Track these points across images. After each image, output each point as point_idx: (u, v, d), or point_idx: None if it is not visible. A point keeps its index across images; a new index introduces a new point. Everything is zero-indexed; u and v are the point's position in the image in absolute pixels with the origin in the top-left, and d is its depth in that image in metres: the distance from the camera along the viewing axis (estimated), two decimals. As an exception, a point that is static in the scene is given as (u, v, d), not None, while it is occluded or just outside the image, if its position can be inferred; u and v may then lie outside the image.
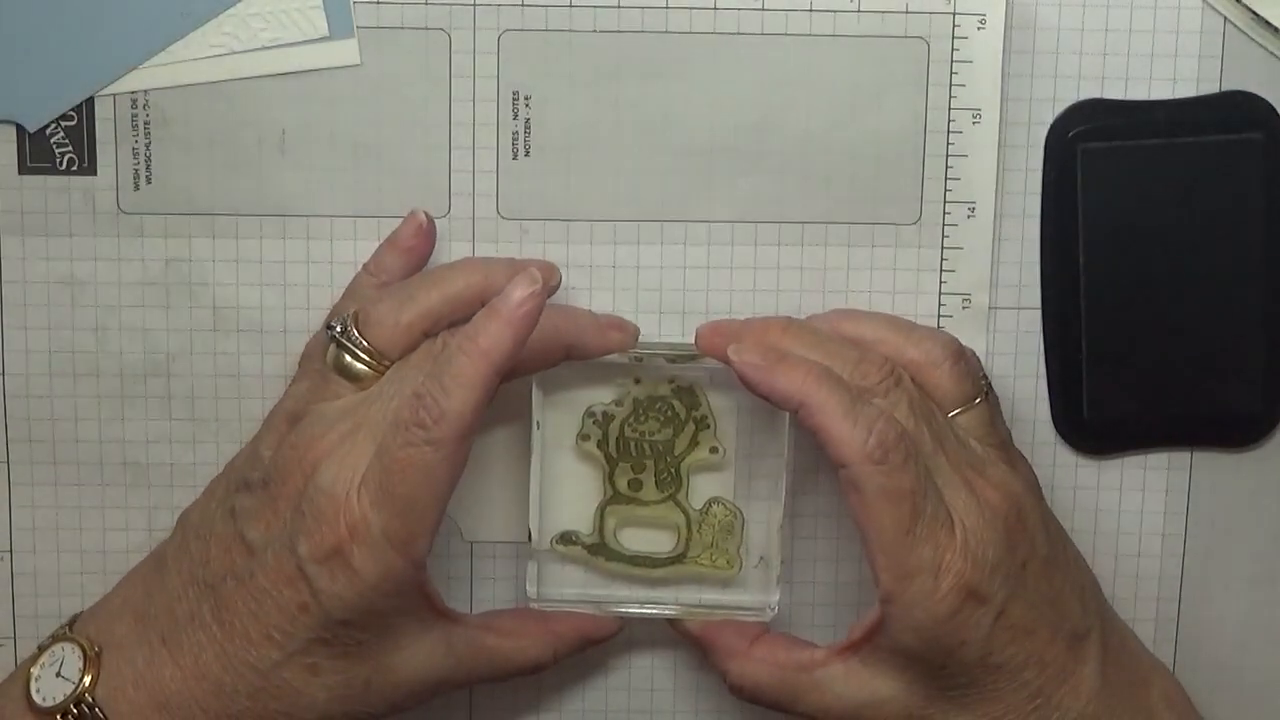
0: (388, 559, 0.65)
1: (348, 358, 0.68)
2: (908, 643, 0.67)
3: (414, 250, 0.72)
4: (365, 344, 0.68)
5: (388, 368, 0.68)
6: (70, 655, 0.68)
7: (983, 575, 0.66)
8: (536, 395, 0.72)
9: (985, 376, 0.72)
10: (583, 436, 0.73)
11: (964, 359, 0.71)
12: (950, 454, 0.68)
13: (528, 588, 0.73)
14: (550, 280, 0.69)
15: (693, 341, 0.72)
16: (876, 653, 0.68)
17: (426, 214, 0.72)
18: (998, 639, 0.66)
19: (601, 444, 0.73)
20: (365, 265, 0.72)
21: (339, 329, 0.69)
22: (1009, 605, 0.66)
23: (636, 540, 0.74)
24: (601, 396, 0.73)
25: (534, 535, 0.73)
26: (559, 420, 0.73)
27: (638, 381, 0.73)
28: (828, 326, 0.71)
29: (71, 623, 0.70)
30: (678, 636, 0.74)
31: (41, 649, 0.69)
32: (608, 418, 0.73)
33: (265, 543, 0.66)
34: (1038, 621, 0.67)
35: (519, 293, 0.65)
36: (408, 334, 0.68)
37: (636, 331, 0.72)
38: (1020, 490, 0.69)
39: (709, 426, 0.73)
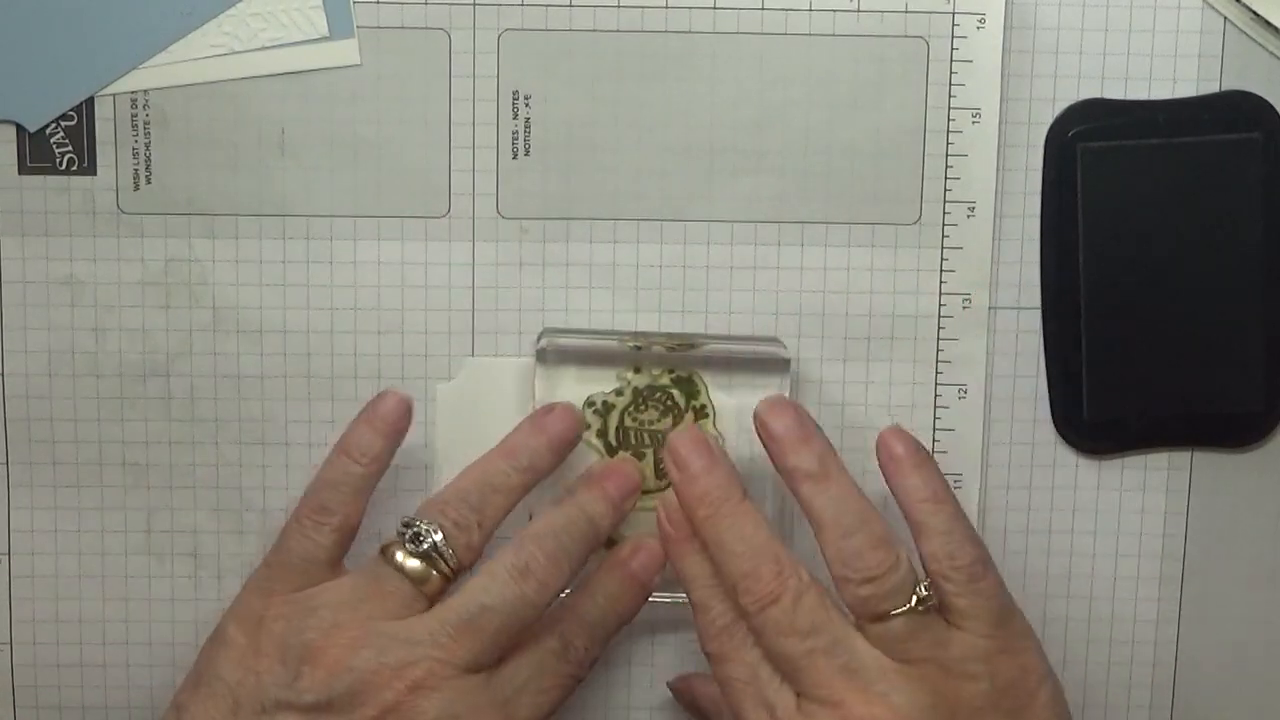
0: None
1: (435, 573, 0.68)
2: None
3: (399, 430, 0.70)
4: (457, 561, 0.68)
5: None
6: None
7: None
8: (540, 376, 0.72)
9: (929, 588, 0.66)
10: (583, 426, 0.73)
11: (898, 570, 0.66)
12: (812, 669, 0.66)
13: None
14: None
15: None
16: None
17: (404, 394, 0.71)
18: None
19: (601, 434, 0.73)
20: (342, 449, 0.70)
21: (429, 545, 0.68)
22: None
23: (636, 528, 0.73)
24: (602, 386, 0.73)
25: (535, 523, 0.73)
26: None
27: (637, 371, 0.73)
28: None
29: None
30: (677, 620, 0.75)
31: None
32: (608, 407, 0.73)
33: None
34: None
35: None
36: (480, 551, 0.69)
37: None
38: (906, 710, 0.65)
39: (708, 415, 0.73)
